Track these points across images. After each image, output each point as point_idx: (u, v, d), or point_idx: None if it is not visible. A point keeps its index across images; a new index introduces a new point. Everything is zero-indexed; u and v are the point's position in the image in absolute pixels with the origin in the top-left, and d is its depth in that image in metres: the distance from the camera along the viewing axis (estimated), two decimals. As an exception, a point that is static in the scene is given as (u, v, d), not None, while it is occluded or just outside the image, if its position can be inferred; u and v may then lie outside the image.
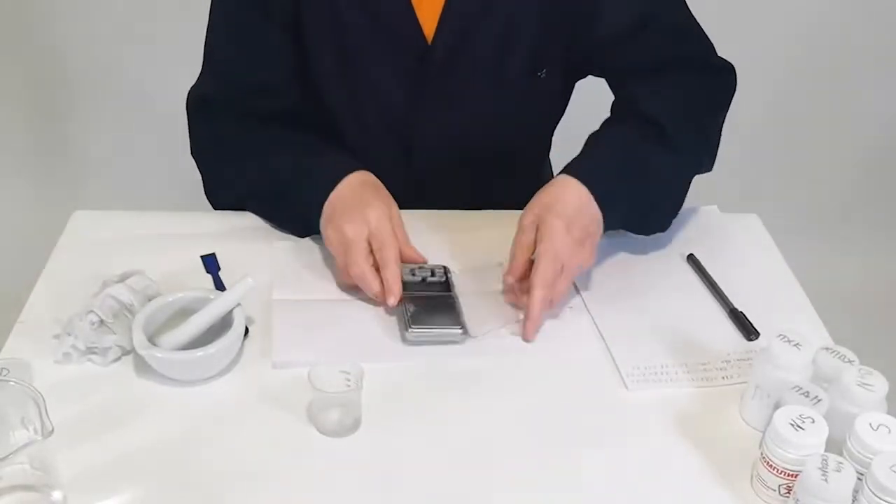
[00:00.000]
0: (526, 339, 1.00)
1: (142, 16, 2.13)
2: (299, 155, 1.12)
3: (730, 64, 1.21)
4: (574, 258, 1.01)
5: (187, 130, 1.20)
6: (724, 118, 1.21)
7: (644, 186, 1.09)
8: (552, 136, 1.36)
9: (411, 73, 1.15)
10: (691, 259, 1.12)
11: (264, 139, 1.14)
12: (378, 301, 1.01)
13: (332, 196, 1.05)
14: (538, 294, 0.98)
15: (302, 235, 1.12)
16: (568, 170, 1.07)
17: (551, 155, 1.39)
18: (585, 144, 1.12)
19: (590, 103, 1.30)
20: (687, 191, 1.15)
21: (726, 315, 1.05)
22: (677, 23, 1.18)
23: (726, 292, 1.07)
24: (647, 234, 1.13)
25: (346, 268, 1.02)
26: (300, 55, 1.15)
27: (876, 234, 2.33)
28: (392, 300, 0.99)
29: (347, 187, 1.06)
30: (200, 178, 1.22)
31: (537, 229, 1.02)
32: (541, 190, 1.06)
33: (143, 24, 2.13)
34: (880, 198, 2.36)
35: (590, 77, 1.25)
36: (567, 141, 1.35)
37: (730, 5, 2.02)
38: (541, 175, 1.39)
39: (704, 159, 1.18)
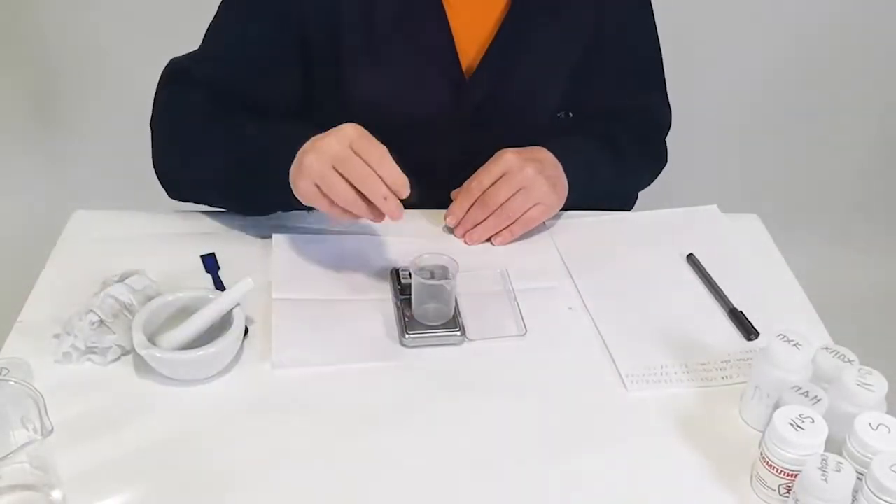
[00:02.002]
0: (468, 241, 1.12)
1: (143, 16, 2.13)
2: (273, 122, 1.06)
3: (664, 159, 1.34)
4: (520, 170, 1.08)
5: (153, 98, 1.15)
6: (644, 186, 1.34)
7: (594, 176, 1.18)
8: None
9: (444, 103, 1.16)
10: (691, 259, 1.12)
11: (238, 115, 1.08)
12: (388, 215, 0.94)
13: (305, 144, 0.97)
14: (469, 184, 1.10)
15: (266, 209, 1.10)
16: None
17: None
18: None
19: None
20: (615, 206, 1.25)
21: (726, 315, 1.05)
22: (656, 115, 1.32)
23: (726, 292, 1.07)
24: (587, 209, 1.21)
25: (329, 196, 0.93)
26: (327, 81, 1.14)
27: (876, 233, 2.33)
28: (405, 191, 0.92)
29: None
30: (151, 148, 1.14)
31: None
32: None
33: (144, 25, 2.14)
34: (880, 198, 2.36)
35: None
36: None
37: (729, 5, 2.02)
38: None
39: (625, 198, 1.32)
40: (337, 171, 0.92)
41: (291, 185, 0.97)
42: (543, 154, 1.13)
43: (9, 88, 2.25)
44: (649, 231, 1.19)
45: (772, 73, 2.17)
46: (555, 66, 1.17)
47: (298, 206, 1.00)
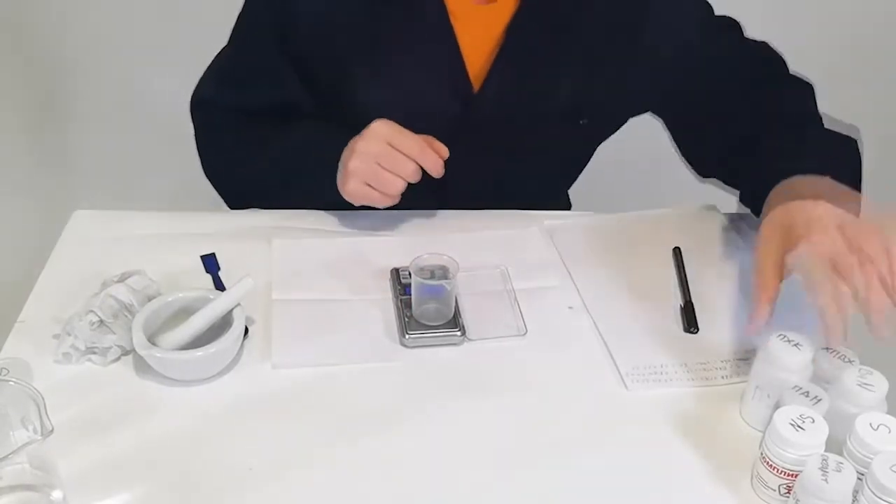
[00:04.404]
0: (877, 334, 0.81)
1: (142, 16, 2.13)
2: (313, 126, 1.16)
3: (807, 82, 1.18)
4: (825, 210, 0.87)
5: (195, 141, 1.23)
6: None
7: (841, 157, 1.03)
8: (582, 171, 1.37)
9: (453, 117, 1.15)
10: (676, 252, 1.13)
11: (273, 124, 1.17)
12: (430, 166, 1.05)
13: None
14: (812, 253, 0.82)
15: (325, 199, 1.13)
16: (777, 186, 0.96)
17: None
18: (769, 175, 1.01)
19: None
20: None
21: (726, 315, 1.05)
22: (759, 52, 1.18)
23: (726, 292, 1.07)
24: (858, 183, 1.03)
25: (381, 190, 1.05)
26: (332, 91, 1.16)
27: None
28: (445, 152, 1.06)
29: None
30: (217, 191, 1.25)
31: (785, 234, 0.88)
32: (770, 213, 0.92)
33: (144, 25, 2.14)
34: (880, 197, 2.36)
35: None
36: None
37: (729, 5, 2.02)
38: (560, 198, 1.40)
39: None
40: (383, 167, 1.03)
41: (340, 191, 1.07)
42: (820, 187, 0.93)
43: (9, 88, 2.25)
44: (649, 230, 1.19)
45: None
46: (562, 75, 1.16)
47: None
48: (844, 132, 1.09)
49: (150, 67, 2.12)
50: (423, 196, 1.10)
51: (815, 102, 1.17)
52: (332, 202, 1.10)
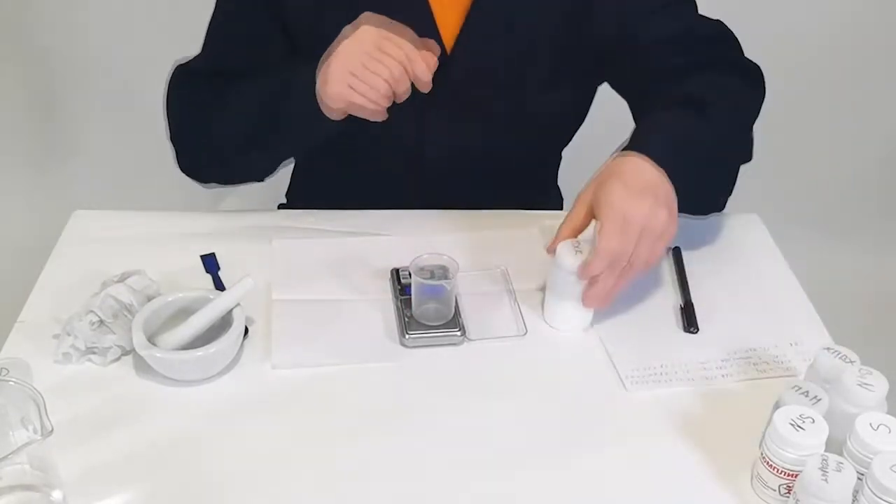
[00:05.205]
0: (585, 304, 0.97)
1: (142, 16, 2.13)
2: (278, 69, 1.11)
3: (757, 66, 1.18)
4: (639, 212, 0.93)
5: (165, 106, 1.19)
6: (756, 116, 1.16)
7: (697, 157, 1.02)
8: (563, 149, 1.36)
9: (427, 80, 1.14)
10: (675, 252, 1.13)
11: (241, 81, 1.13)
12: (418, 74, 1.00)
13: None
14: (599, 250, 0.92)
15: (309, 143, 1.10)
16: (622, 152, 1.01)
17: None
18: (632, 135, 1.05)
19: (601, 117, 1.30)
20: (735, 170, 1.11)
21: (726, 315, 1.04)
22: (709, 30, 1.18)
23: (725, 292, 1.07)
24: (705, 212, 1.11)
25: (363, 92, 1.00)
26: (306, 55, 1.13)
27: (876, 233, 2.33)
28: (436, 49, 1.01)
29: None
30: (177, 155, 1.20)
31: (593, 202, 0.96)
32: (596, 173, 1.00)
33: (143, 25, 2.14)
34: (881, 197, 2.36)
35: (603, 92, 1.25)
36: (575, 154, 1.35)
37: (730, 5, 2.02)
38: (548, 189, 1.39)
39: (743, 145, 1.14)
40: (367, 68, 0.99)
41: (322, 99, 1.02)
42: (648, 178, 0.97)
43: (9, 88, 2.25)
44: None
45: (772, 72, 2.17)
46: (536, 36, 1.14)
47: (330, 127, 1.05)
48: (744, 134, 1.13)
49: (150, 67, 2.11)
50: (397, 161, 1.07)
51: (751, 89, 1.16)
52: (315, 136, 1.07)
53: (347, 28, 1.04)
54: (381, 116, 1.03)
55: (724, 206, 1.12)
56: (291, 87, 1.06)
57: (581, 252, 0.96)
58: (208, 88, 1.14)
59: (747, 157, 1.15)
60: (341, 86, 1.00)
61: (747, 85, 1.15)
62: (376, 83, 1.00)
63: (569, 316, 1.01)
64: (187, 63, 1.18)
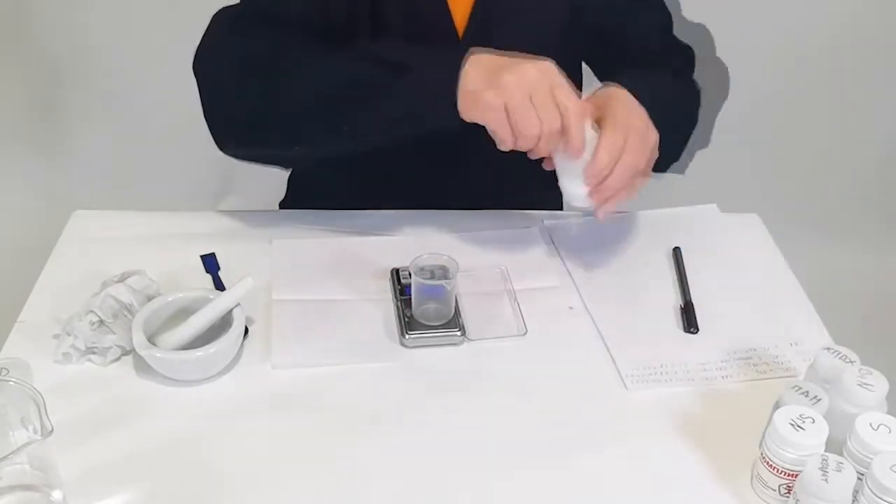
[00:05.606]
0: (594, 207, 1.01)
1: (142, 16, 2.13)
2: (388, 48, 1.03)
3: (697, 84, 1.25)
4: (640, 124, 1.01)
5: (209, 54, 1.08)
6: (694, 125, 1.24)
7: (663, 107, 1.07)
8: None
9: None
10: (676, 252, 1.13)
11: (322, 43, 1.04)
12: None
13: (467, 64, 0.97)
14: (599, 155, 0.96)
15: (399, 131, 1.03)
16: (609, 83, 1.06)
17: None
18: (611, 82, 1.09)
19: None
20: (687, 137, 1.18)
21: (726, 315, 1.05)
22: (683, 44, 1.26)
23: (725, 292, 1.07)
24: (664, 169, 1.13)
25: (515, 125, 0.95)
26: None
27: (877, 233, 2.33)
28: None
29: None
30: (219, 115, 1.06)
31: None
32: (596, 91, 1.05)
33: (143, 25, 2.13)
34: (881, 197, 2.36)
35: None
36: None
37: (729, 5, 2.02)
38: (548, 189, 1.39)
39: (692, 121, 1.22)
40: (533, 104, 0.94)
41: (463, 95, 0.96)
42: (636, 115, 1.03)
43: (9, 88, 2.25)
44: (649, 230, 1.19)
45: (772, 72, 2.17)
46: (544, 23, 1.16)
47: (426, 122, 1.00)
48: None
49: (150, 67, 2.12)
50: (398, 160, 1.07)
51: (691, 96, 1.24)
52: (427, 126, 1.00)
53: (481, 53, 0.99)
54: (505, 147, 0.98)
55: (665, 169, 1.15)
56: (427, 66, 0.98)
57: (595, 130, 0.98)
58: (274, 39, 1.04)
59: (691, 128, 1.22)
60: (499, 102, 0.95)
61: (696, 101, 1.24)
62: (533, 127, 0.95)
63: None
64: (234, 7, 1.10)
